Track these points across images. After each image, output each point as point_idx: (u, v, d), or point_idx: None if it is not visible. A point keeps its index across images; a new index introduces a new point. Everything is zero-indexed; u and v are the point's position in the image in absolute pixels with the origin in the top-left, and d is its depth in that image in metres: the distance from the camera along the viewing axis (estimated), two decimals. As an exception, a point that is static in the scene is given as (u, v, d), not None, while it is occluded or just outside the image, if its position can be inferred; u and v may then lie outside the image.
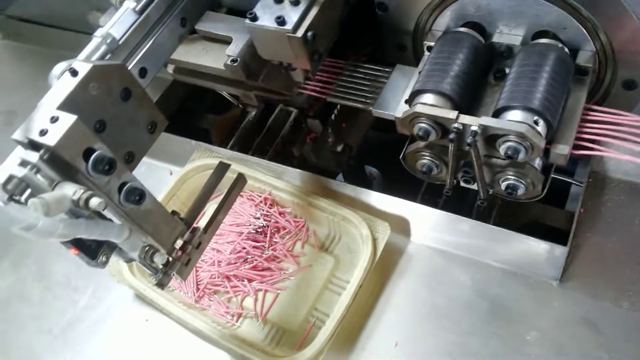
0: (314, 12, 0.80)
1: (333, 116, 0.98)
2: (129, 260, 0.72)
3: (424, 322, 0.85)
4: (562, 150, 0.72)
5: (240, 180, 0.86)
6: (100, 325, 0.97)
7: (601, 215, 0.88)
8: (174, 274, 0.76)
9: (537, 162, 0.76)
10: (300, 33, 0.79)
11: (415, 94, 0.78)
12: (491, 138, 0.73)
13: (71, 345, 0.97)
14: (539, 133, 0.69)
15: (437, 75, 0.77)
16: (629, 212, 0.88)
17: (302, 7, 0.80)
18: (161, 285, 0.77)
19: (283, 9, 0.80)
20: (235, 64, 0.88)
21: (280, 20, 0.79)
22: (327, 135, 0.97)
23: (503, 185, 0.78)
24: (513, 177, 0.77)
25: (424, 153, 0.82)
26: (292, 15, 0.79)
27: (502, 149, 0.71)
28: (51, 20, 1.45)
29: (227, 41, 0.92)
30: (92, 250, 0.66)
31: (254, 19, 0.80)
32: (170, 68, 1.00)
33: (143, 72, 0.76)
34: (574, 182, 1.00)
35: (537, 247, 0.83)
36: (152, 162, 1.15)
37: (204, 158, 1.05)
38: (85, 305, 1.00)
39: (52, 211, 0.55)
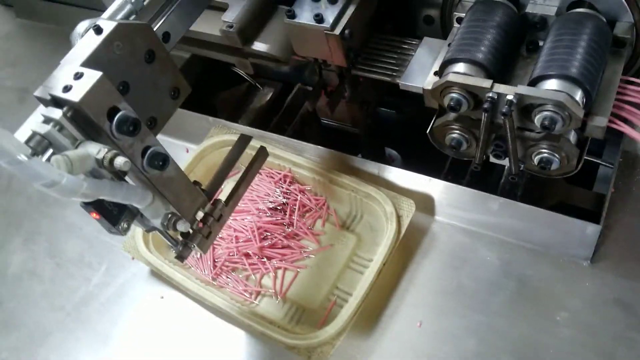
0: (350, 10, 0.83)
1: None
2: (151, 229, 0.70)
3: (449, 302, 0.83)
4: (600, 122, 0.70)
5: (262, 153, 0.83)
6: (114, 303, 0.95)
7: (633, 195, 0.86)
8: (194, 247, 0.74)
9: (572, 136, 0.73)
10: (338, 31, 0.81)
11: (446, 63, 0.75)
12: (525, 109, 0.70)
13: (83, 322, 0.94)
14: (577, 102, 0.67)
15: (470, 44, 0.74)
16: (661, 192, 0.85)
17: (339, 5, 0.82)
18: (181, 257, 0.74)
19: (320, 7, 0.83)
20: (232, 29, 0.87)
21: (319, 18, 0.81)
22: (344, 89, 0.95)
23: (536, 160, 0.75)
24: (547, 151, 0.74)
25: (453, 126, 0.79)
26: (329, 13, 0.82)
27: (537, 120, 0.68)
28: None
29: (222, 8, 0.91)
30: (114, 216, 0.63)
31: (292, 16, 0.83)
32: None
33: (167, 36, 0.73)
34: (603, 163, 0.98)
35: (568, 226, 0.80)
36: (167, 139, 1.12)
37: (222, 134, 1.02)
38: (98, 282, 0.98)
39: (76, 169, 0.53)
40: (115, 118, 0.57)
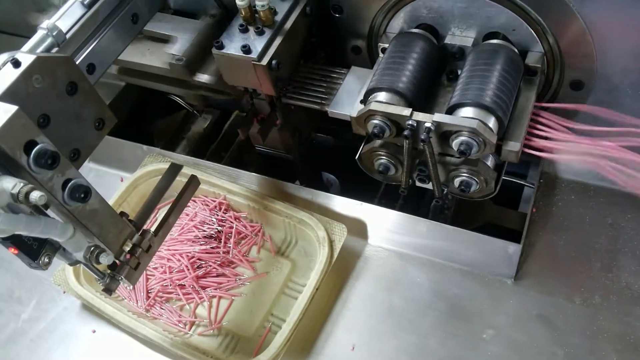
0: (278, 41, 0.84)
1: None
2: (74, 263, 0.68)
3: (381, 324, 0.84)
4: (513, 147, 0.74)
5: (193, 182, 0.84)
6: (45, 338, 0.92)
7: (553, 214, 0.90)
8: (122, 279, 0.73)
9: (490, 161, 0.77)
10: (265, 61, 0.82)
11: (369, 92, 0.78)
12: (444, 135, 0.73)
13: (13, 361, 0.91)
14: (490, 129, 0.70)
15: (391, 74, 0.77)
16: (579, 211, 0.90)
17: (266, 36, 0.84)
18: (109, 290, 0.73)
19: (248, 38, 0.84)
20: (180, 63, 0.87)
21: (246, 49, 0.83)
22: (275, 116, 0.96)
23: (456, 182, 0.78)
24: (466, 174, 0.77)
25: (380, 152, 0.82)
26: (257, 44, 0.83)
27: (455, 145, 0.72)
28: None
29: (171, 41, 0.92)
30: (34, 250, 0.62)
31: (220, 47, 0.84)
32: (113, 69, 0.98)
33: (91, 68, 0.73)
34: (526, 184, 1.02)
35: (492, 246, 0.84)
36: (101, 168, 1.11)
37: (156, 163, 1.02)
38: (28, 318, 0.95)
39: (-12, 205, 0.52)
40: (33, 152, 0.56)
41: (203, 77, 0.93)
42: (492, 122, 0.71)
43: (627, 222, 0.88)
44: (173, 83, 0.99)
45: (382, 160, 0.83)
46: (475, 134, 0.69)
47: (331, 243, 0.87)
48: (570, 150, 0.74)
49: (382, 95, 0.76)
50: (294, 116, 1.00)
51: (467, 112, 0.71)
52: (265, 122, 0.95)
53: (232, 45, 0.83)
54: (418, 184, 0.85)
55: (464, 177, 0.77)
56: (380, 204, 1.06)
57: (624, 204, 0.89)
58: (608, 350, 0.77)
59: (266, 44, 0.83)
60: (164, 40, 0.94)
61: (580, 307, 0.81)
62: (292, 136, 1.03)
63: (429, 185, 0.83)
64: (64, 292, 0.93)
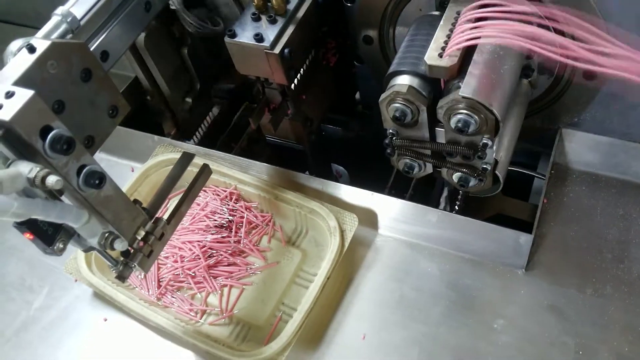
0: (290, 29, 0.84)
1: (293, 86, 0.96)
2: (88, 249, 0.69)
3: (392, 314, 0.84)
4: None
5: (205, 170, 0.84)
6: (56, 326, 0.93)
7: (564, 205, 0.90)
8: (135, 266, 0.73)
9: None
10: (277, 50, 0.82)
11: (390, 76, 0.77)
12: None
13: (24, 349, 0.91)
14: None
15: (414, 57, 0.76)
16: (590, 202, 0.89)
17: (279, 25, 0.84)
18: (122, 277, 0.74)
19: (260, 27, 0.84)
20: None
21: (259, 38, 0.82)
22: (286, 106, 0.96)
23: (455, 178, 0.79)
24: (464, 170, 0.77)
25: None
26: (269, 32, 0.83)
27: (452, 123, 0.70)
28: (6, 16, 1.40)
29: None
30: (49, 236, 0.62)
31: (233, 35, 0.84)
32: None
33: (105, 55, 0.73)
34: (536, 175, 1.02)
35: (503, 236, 0.84)
36: (112, 158, 1.12)
37: (167, 153, 1.02)
38: (40, 306, 0.95)
39: (6, 189, 0.53)
40: (49, 137, 0.56)
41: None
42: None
43: (638, 213, 0.87)
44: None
45: (405, 160, 0.82)
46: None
47: (342, 233, 0.87)
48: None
49: (403, 78, 0.75)
50: (305, 106, 1.00)
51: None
52: (277, 111, 0.96)
53: (245, 34, 0.84)
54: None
55: (461, 173, 0.77)
56: (390, 194, 1.06)
57: (635, 195, 0.89)
58: (619, 341, 0.77)
59: (279, 33, 0.83)
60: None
61: (591, 298, 0.81)
62: (303, 126, 1.03)
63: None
64: (76, 281, 0.94)
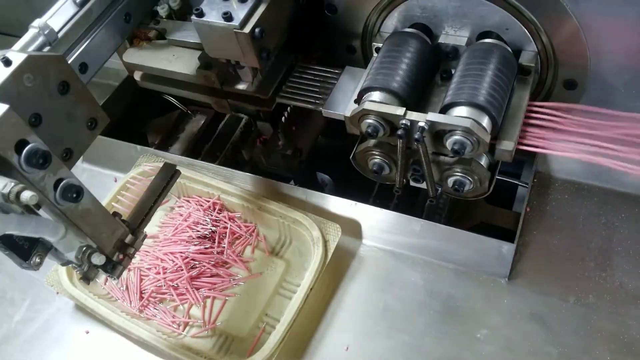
0: (261, 8, 0.79)
1: (283, 119, 0.97)
2: (65, 263, 0.68)
3: (376, 324, 0.84)
4: (507, 146, 0.74)
5: (175, 174, 0.82)
6: (38, 339, 0.92)
7: (547, 213, 0.90)
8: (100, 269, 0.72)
9: (484, 160, 0.77)
10: (247, 29, 0.77)
11: (363, 92, 0.78)
12: (438, 135, 0.73)
13: (5, 362, 0.91)
14: (484, 128, 0.70)
15: (385, 73, 0.77)
16: (573, 210, 0.90)
17: (249, 3, 0.78)
18: (87, 279, 0.71)
19: (230, 6, 0.79)
20: (209, 70, 0.84)
21: (227, 16, 0.77)
22: (277, 138, 0.96)
23: (450, 182, 0.78)
24: (460, 174, 0.77)
25: (374, 152, 0.82)
26: (239, 11, 0.78)
27: (449, 144, 0.72)
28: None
29: (198, 48, 0.89)
30: (25, 251, 0.61)
31: (200, 14, 0.79)
32: (137, 75, 0.97)
33: (84, 67, 0.73)
34: (519, 183, 1.03)
35: (486, 245, 0.84)
36: (95, 168, 1.11)
37: (150, 163, 1.02)
38: (21, 319, 0.94)
39: (-21, 205, 0.52)
40: (24, 151, 0.56)
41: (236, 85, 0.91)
42: (485, 122, 0.71)
43: (621, 221, 0.88)
44: (201, 90, 0.96)
45: (376, 160, 0.83)
46: (469, 133, 0.69)
47: (325, 243, 0.87)
48: (565, 146, 0.74)
49: (375, 95, 0.76)
50: (295, 137, 1.00)
51: (461, 111, 0.71)
52: (268, 143, 0.95)
53: (213, 13, 0.78)
54: (412, 183, 0.85)
55: (457, 177, 0.77)
56: (374, 203, 1.06)
57: (617, 203, 0.89)
58: (602, 350, 0.77)
59: (249, 11, 0.78)
60: (190, 47, 0.92)
61: (574, 307, 0.81)
62: (293, 157, 1.03)
63: (423, 185, 0.82)
64: (57, 293, 0.93)
